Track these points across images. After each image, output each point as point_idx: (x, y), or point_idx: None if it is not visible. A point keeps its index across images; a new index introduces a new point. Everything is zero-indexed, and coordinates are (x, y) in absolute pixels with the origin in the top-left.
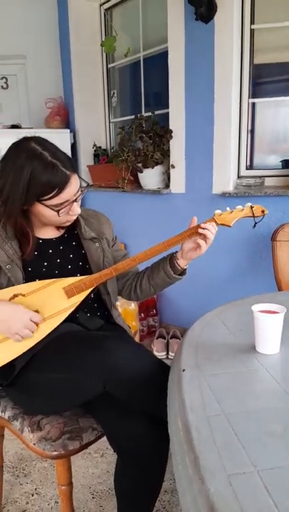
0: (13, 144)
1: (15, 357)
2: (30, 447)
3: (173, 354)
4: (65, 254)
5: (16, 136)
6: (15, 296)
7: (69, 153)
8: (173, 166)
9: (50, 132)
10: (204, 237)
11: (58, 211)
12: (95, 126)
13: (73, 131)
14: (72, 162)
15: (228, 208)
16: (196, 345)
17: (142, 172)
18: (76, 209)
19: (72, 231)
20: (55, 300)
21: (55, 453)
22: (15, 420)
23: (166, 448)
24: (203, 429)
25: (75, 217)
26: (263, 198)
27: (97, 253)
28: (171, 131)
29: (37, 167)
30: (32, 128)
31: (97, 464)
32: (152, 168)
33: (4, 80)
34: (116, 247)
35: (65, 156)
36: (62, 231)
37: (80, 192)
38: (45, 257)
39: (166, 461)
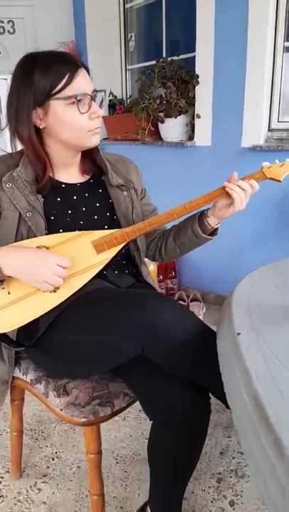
0: None
1: (39, 315)
2: (56, 413)
3: None
4: (91, 203)
5: None
6: (37, 248)
7: None
8: (198, 116)
9: None
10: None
11: (78, 103)
12: (110, 73)
13: None
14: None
15: (277, 161)
16: (246, 306)
17: (163, 122)
18: (98, 110)
19: (98, 177)
20: (82, 255)
21: (85, 420)
22: (38, 383)
23: (206, 416)
24: (278, 405)
25: (99, 126)
26: None
27: (125, 202)
28: (197, 77)
29: (43, 59)
30: None
31: (119, 427)
32: (175, 118)
33: (11, 24)
34: (145, 200)
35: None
36: (87, 176)
37: (95, 91)
38: (69, 204)
39: (206, 429)
